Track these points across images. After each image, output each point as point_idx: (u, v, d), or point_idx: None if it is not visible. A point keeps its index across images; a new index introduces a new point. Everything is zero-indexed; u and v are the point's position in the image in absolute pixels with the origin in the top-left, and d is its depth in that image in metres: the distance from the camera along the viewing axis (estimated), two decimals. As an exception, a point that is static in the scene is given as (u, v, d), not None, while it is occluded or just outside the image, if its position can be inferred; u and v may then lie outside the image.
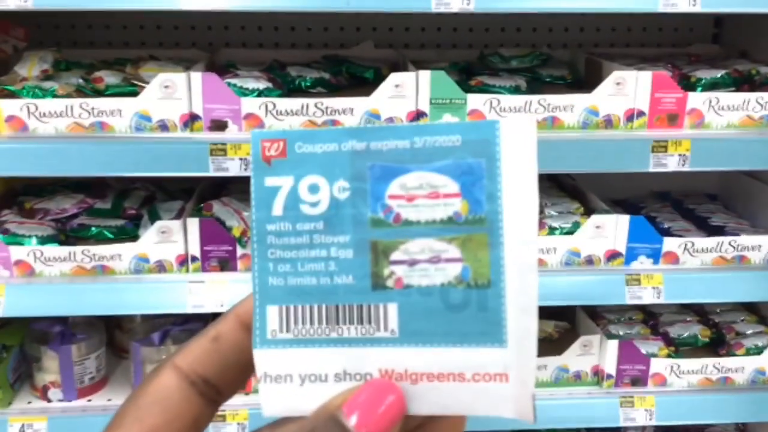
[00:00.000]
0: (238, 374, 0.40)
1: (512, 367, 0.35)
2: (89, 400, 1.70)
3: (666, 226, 1.82)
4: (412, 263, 0.36)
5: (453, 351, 0.36)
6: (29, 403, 1.68)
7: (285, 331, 0.37)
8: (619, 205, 2.00)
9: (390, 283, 0.36)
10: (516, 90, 1.62)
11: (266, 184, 0.38)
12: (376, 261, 0.37)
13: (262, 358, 0.37)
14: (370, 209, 0.37)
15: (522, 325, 0.35)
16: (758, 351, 1.74)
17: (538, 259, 0.36)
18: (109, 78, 1.56)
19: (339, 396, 0.36)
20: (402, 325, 0.36)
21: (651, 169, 1.51)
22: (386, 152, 0.37)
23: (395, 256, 0.36)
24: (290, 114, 1.48)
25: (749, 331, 1.81)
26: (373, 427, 0.34)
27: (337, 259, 0.37)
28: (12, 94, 1.50)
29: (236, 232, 1.59)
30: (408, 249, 0.36)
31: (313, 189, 0.37)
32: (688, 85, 1.64)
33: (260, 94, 1.53)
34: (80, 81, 1.58)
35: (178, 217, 1.64)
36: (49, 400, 1.68)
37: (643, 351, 1.72)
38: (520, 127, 0.36)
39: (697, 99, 1.54)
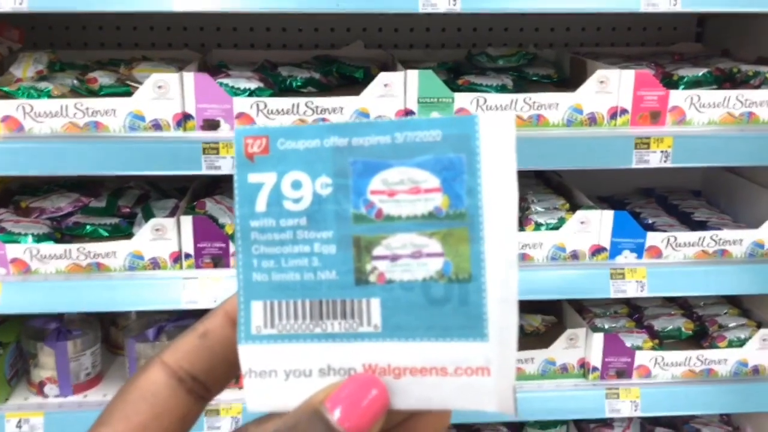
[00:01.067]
0: (226, 370, 0.39)
1: (494, 361, 0.35)
2: (85, 396, 1.72)
3: (650, 221, 1.85)
4: (394, 258, 0.36)
5: (435, 345, 0.36)
6: (26, 399, 1.71)
7: (269, 326, 0.37)
8: (604, 201, 2.04)
9: (372, 278, 0.36)
10: (502, 89, 1.65)
11: (249, 180, 0.38)
12: (358, 256, 0.36)
13: (247, 354, 0.37)
14: (353, 205, 0.37)
15: (503, 318, 0.35)
16: (740, 343, 1.76)
17: (518, 252, 0.38)
18: (103, 78, 1.58)
19: (322, 391, 0.36)
20: (385, 320, 0.36)
21: (634, 166, 1.53)
22: (368, 148, 0.37)
23: (377, 251, 0.36)
24: (281, 113, 1.50)
25: (732, 324, 1.84)
26: (355, 421, 0.34)
27: (320, 255, 0.37)
28: (7, 95, 1.52)
29: (229, 230, 1.61)
30: (390, 244, 0.36)
31: (296, 185, 0.37)
32: (670, 83, 1.67)
33: (252, 93, 1.55)
34: (75, 82, 1.60)
35: (171, 215, 1.66)
36: (45, 396, 1.70)
37: (628, 344, 1.75)
38: (499, 122, 0.35)
39: (678, 97, 1.57)
